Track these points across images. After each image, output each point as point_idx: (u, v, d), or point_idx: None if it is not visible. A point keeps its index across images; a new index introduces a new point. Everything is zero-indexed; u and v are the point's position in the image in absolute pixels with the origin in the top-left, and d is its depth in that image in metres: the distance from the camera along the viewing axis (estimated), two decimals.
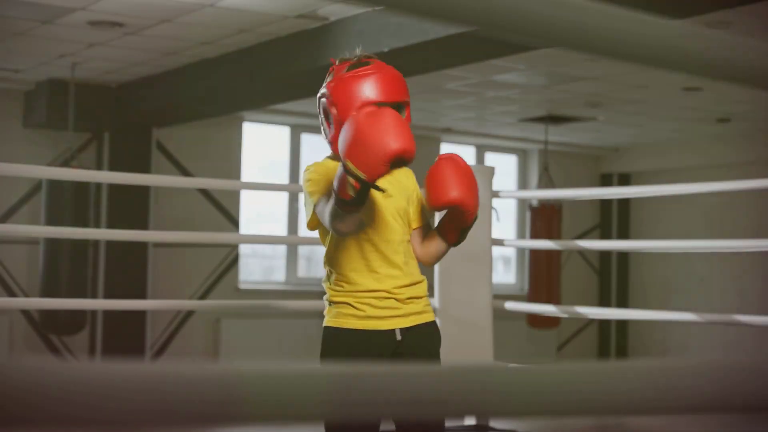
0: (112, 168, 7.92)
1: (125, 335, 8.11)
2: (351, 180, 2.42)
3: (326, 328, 2.74)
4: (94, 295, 7.91)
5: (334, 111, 2.70)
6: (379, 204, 2.73)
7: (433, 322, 2.79)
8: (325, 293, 2.78)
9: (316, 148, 9.56)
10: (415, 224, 2.81)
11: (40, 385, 0.74)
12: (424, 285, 2.80)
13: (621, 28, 1.02)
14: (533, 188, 10.42)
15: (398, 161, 2.44)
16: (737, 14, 5.39)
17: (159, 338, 8.52)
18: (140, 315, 8.15)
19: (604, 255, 11.09)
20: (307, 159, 9.44)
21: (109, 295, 7.94)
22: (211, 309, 8.46)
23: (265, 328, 8.71)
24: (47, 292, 7.29)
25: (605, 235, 11.03)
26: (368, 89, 2.68)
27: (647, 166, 10.78)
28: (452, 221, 2.72)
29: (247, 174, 9.04)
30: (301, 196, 2.81)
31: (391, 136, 2.43)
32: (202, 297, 8.69)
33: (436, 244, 2.78)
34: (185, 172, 8.62)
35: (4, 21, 6.00)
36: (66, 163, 7.51)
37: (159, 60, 6.98)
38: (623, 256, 11.06)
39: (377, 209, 2.72)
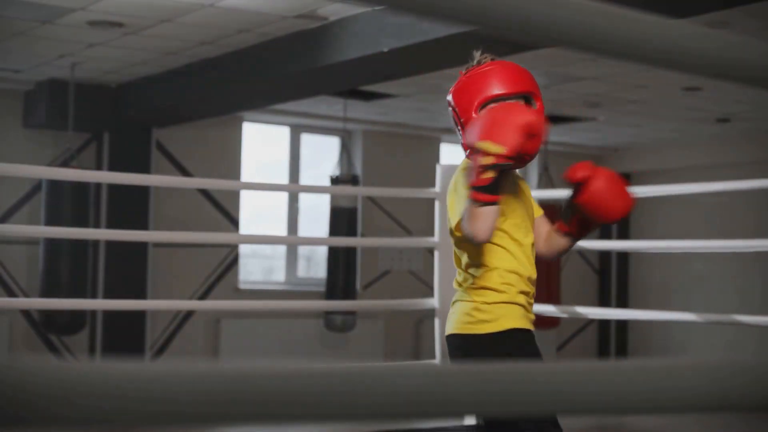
0: (112, 168, 7.92)
1: (125, 335, 8.11)
2: (487, 161, 2.44)
3: (517, 330, 2.67)
4: (94, 295, 7.90)
5: (457, 115, 2.72)
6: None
7: None
8: (468, 298, 2.68)
9: (316, 148, 9.57)
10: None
11: (40, 385, 0.74)
12: None
13: (621, 28, 1.02)
14: (533, 188, 10.41)
15: (530, 133, 2.47)
16: (737, 14, 5.39)
17: (159, 338, 8.52)
18: (140, 315, 8.14)
19: (604, 255, 11.09)
20: (306, 159, 9.45)
21: (109, 295, 7.93)
22: (211, 309, 8.46)
23: (265, 328, 8.71)
24: (47, 292, 7.28)
25: (605, 235, 11.02)
26: (483, 85, 2.67)
27: (647, 166, 10.78)
28: (591, 222, 2.78)
29: (247, 174, 9.04)
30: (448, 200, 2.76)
31: (517, 113, 2.48)
32: (202, 297, 8.69)
33: (563, 241, 2.84)
34: (185, 172, 8.62)
35: (4, 21, 6.00)
36: (66, 163, 7.50)
37: (159, 60, 6.98)
38: (623, 256, 11.06)
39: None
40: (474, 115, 2.66)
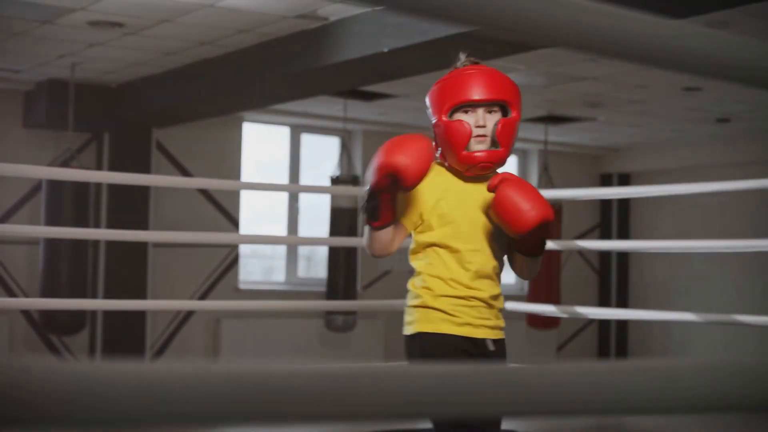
0: (112, 168, 7.92)
1: (125, 335, 8.11)
2: (367, 190, 2.52)
3: (426, 334, 2.73)
4: (94, 295, 7.90)
5: (428, 116, 2.74)
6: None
7: None
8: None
9: (316, 148, 9.57)
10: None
11: (40, 385, 0.74)
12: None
13: (621, 28, 1.02)
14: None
15: (393, 175, 2.46)
16: (737, 14, 5.39)
17: (159, 338, 8.52)
18: (140, 315, 8.14)
19: (604, 255, 11.09)
20: (306, 159, 9.45)
21: (109, 295, 7.93)
22: (211, 309, 8.46)
23: (265, 328, 8.71)
24: (47, 292, 7.28)
25: (605, 235, 11.03)
26: (456, 90, 2.69)
27: (647, 166, 10.78)
28: (533, 237, 2.65)
29: (247, 174, 9.04)
30: None
31: (384, 152, 2.48)
32: (202, 297, 8.69)
33: (519, 258, 2.74)
34: (185, 172, 8.61)
35: (4, 21, 6.00)
36: (66, 163, 7.50)
37: (159, 60, 6.98)
38: (623, 256, 11.06)
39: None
40: (444, 118, 2.68)
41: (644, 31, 1.04)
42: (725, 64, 1.10)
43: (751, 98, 7.93)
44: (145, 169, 8.09)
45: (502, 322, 2.76)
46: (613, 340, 11.07)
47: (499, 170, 2.79)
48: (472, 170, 2.69)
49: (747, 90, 7.24)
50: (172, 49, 6.66)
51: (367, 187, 2.53)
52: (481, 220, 2.69)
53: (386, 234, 2.61)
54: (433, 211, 2.67)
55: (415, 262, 2.75)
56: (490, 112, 2.69)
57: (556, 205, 9.45)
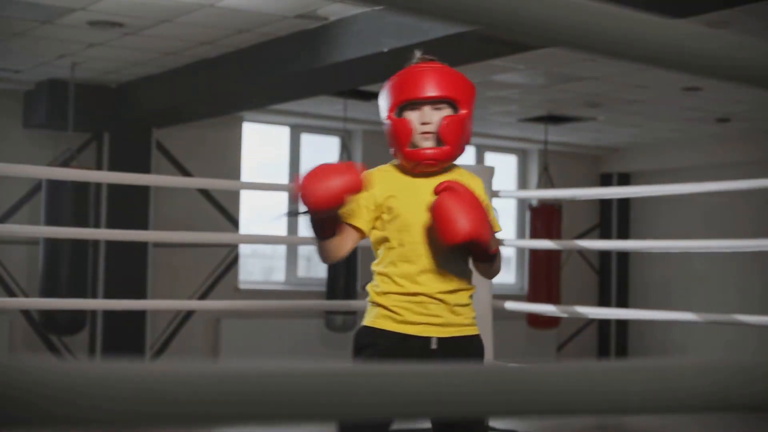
0: (112, 168, 7.92)
1: (125, 335, 8.11)
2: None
3: (367, 327, 2.74)
4: (94, 295, 7.90)
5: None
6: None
7: None
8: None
9: (316, 148, 9.57)
10: None
11: (40, 385, 0.74)
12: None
13: (621, 28, 1.02)
14: (533, 188, 10.42)
15: (298, 205, 2.51)
16: (737, 14, 5.39)
17: (159, 338, 8.52)
18: (140, 315, 8.15)
19: (604, 255, 11.09)
20: (306, 159, 9.45)
21: (109, 295, 7.93)
22: (211, 309, 8.46)
23: (265, 328, 8.71)
24: (47, 292, 7.28)
25: (605, 235, 11.03)
26: (404, 87, 2.70)
27: (647, 166, 10.78)
28: (471, 252, 2.64)
29: (247, 174, 9.04)
30: None
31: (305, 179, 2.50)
32: (202, 297, 8.69)
33: (475, 262, 2.72)
34: (185, 172, 8.62)
35: (4, 21, 6.00)
36: (66, 163, 7.51)
37: (159, 60, 6.98)
38: (623, 256, 11.06)
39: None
40: (391, 116, 2.70)
41: (644, 31, 1.04)
42: (725, 64, 1.10)
43: (751, 98, 7.93)
44: (145, 169, 8.09)
45: (460, 319, 2.68)
46: (613, 340, 11.07)
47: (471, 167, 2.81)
48: (418, 167, 2.70)
49: (747, 90, 7.24)
50: (172, 49, 6.66)
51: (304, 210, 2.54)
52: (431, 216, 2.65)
53: (332, 243, 2.64)
54: (382, 208, 2.69)
55: (374, 260, 2.78)
56: (438, 109, 2.67)
57: (556, 205, 9.45)
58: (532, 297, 9.20)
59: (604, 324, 11.02)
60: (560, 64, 6.88)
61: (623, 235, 10.97)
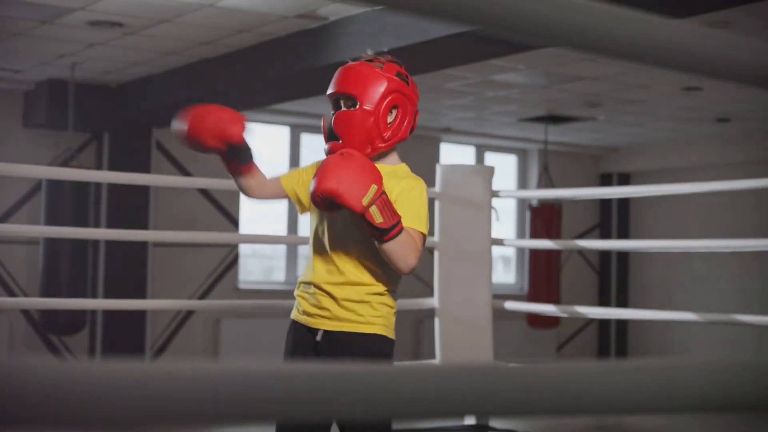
0: (112, 168, 7.92)
1: (125, 335, 8.11)
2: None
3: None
4: (94, 295, 7.90)
5: None
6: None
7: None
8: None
9: (316, 148, 9.57)
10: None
11: (40, 385, 0.74)
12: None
13: (621, 28, 1.02)
14: (533, 188, 10.42)
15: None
16: (737, 14, 5.39)
17: (159, 338, 8.52)
18: (140, 315, 8.15)
19: (604, 255, 11.09)
20: (306, 159, 9.45)
21: (109, 295, 7.93)
22: (211, 309, 8.46)
23: (265, 328, 8.71)
24: (47, 292, 7.28)
25: (605, 235, 11.03)
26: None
27: (647, 166, 10.78)
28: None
29: None
30: None
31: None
32: (202, 297, 8.69)
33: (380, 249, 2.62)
34: (185, 172, 8.62)
35: (4, 21, 6.00)
36: (66, 163, 7.50)
37: (159, 60, 6.98)
38: (623, 256, 11.06)
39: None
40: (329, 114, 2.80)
41: (644, 31, 1.04)
42: (725, 64, 1.10)
43: (751, 98, 7.93)
44: (145, 169, 8.09)
45: (349, 315, 2.62)
46: (613, 340, 11.07)
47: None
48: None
49: (747, 90, 7.24)
50: (172, 49, 6.66)
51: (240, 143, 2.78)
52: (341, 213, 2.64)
53: (244, 181, 2.77)
54: (304, 187, 2.77)
55: None
56: (348, 105, 2.73)
57: (556, 205, 9.45)
58: (532, 297, 9.20)
59: (604, 324, 11.02)
60: (560, 64, 6.88)
61: (623, 235, 10.97)
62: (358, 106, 2.68)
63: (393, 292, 2.70)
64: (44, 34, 6.26)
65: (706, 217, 10.16)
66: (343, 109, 2.71)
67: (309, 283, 2.68)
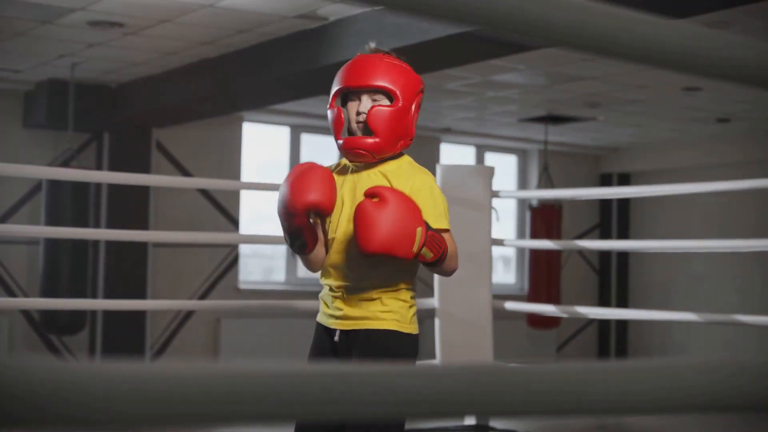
0: (112, 168, 7.92)
1: (125, 335, 8.11)
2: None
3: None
4: (94, 295, 7.90)
5: None
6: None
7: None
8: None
9: (316, 148, 9.57)
10: None
11: (40, 385, 0.74)
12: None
13: (621, 28, 1.02)
14: (533, 188, 10.42)
15: (312, 212, 2.59)
16: (737, 14, 5.39)
17: (159, 338, 8.52)
18: (140, 315, 8.15)
19: (604, 255, 11.09)
20: (306, 159, 9.45)
21: (109, 295, 7.93)
22: (211, 309, 8.46)
23: (265, 328, 8.71)
24: (47, 292, 7.28)
25: (605, 235, 11.03)
26: (340, 78, 2.69)
27: (647, 166, 10.78)
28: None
29: (247, 174, 9.04)
30: None
31: (300, 192, 2.60)
32: (202, 297, 8.69)
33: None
34: (185, 172, 8.62)
35: (4, 21, 6.00)
36: (66, 163, 7.50)
37: (159, 60, 6.98)
38: (623, 256, 11.06)
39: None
40: (332, 105, 2.71)
41: (644, 31, 1.04)
42: (725, 64, 1.10)
43: (751, 98, 7.94)
44: (145, 169, 8.09)
45: (363, 312, 2.62)
46: (613, 340, 11.07)
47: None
48: (350, 158, 2.71)
49: (747, 90, 7.24)
50: (172, 49, 6.66)
51: (285, 226, 2.63)
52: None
53: (318, 253, 2.68)
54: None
55: None
56: (375, 100, 2.63)
57: (556, 205, 9.45)
58: (532, 297, 9.20)
59: (604, 324, 11.02)
60: (560, 64, 6.88)
61: (623, 235, 10.97)
62: (395, 103, 2.61)
63: (407, 287, 2.66)
64: (44, 34, 6.26)
65: (706, 217, 10.16)
66: (373, 104, 2.62)
67: (326, 285, 2.69)
